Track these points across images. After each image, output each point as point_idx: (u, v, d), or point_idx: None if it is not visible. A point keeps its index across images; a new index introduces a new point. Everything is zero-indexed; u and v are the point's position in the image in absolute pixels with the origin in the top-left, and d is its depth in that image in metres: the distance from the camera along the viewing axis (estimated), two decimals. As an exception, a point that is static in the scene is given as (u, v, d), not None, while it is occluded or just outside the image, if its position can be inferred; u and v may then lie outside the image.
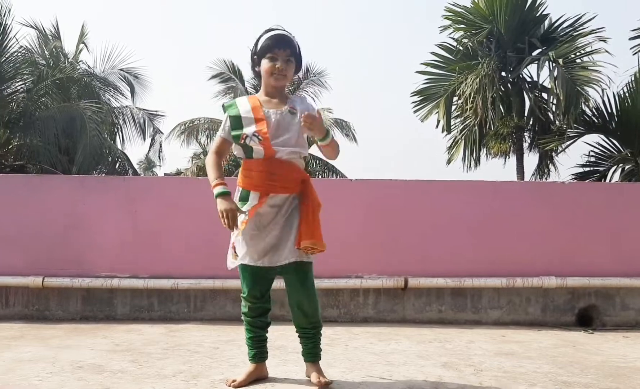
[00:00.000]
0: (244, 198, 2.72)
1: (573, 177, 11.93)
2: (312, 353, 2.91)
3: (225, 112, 2.77)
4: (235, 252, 2.77)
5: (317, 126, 2.62)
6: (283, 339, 3.99)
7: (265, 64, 2.71)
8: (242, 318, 2.90)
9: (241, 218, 2.67)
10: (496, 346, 3.95)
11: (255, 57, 2.77)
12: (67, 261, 4.79)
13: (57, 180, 5.64)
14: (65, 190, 4.95)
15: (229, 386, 2.76)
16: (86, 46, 16.95)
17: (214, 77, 20.28)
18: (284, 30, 2.74)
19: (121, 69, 17.22)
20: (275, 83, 2.73)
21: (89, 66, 16.70)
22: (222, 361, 3.31)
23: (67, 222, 4.85)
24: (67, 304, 4.81)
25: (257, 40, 2.74)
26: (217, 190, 2.66)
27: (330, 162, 18.63)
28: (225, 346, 3.75)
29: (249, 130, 2.65)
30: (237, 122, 2.71)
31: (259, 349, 2.89)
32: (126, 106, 17.87)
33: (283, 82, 2.74)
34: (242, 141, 2.67)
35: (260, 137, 2.63)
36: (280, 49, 2.68)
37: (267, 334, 2.94)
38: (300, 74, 20.76)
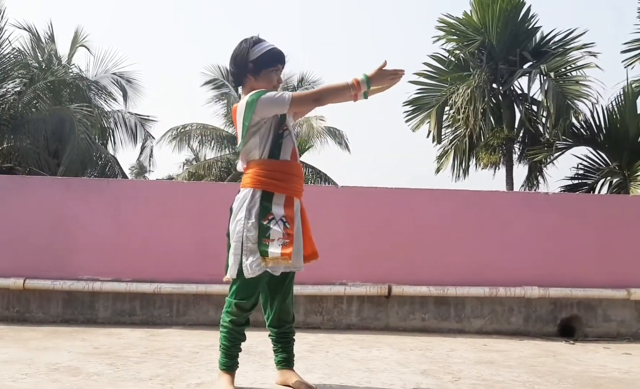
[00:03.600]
0: (267, 200, 2.64)
1: (562, 188, 12.00)
2: (290, 358, 2.91)
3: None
4: (264, 255, 2.60)
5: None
6: (265, 344, 3.98)
7: (270, 74, 2.77)
8: (226, 327, 2.74)
9: (277, 226, 2.61)
10: (477, 354, 3.96)
11: (250, 64, 2.73)
12: (49, 263, 4.76)
13: (42, 181, 5.61)
14: (50, 191, 4.93)
15: None
16: (87, 49, 16.89)
17: (207, 83, 20.30)
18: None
19: (114, 73, 17.18)
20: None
21: (80, 69, 16.65)
22: (201, 366, 3.30)
23: (50, 224, 4.82)
24: (48, 306, 4.78)
25: (253, 48, 2.73)
26: (360, 77, 2.64)
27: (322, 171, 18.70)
28: (205, 351, 3.73)
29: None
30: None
31: (237, 359, 2.82)
32: (118, 110, 17.82)
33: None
34: (282, 131, 2.74)
35: (293, 135, 2.83)
36: (282, 64, 2.82)
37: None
38: (295, 82, 20.85)
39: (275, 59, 2.77)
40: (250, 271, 2.60)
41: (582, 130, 11.83)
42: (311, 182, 18.73)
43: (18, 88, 14.52)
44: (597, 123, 11.32)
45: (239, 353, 2.82)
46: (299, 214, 2.78)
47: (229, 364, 2.76)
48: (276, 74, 2.79)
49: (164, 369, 3.18)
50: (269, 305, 2.88)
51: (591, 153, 11.68)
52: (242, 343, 2.82)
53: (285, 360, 2.89)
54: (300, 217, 2.79)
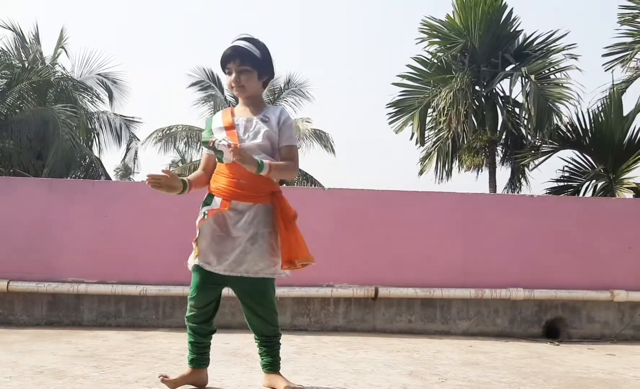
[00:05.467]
0: (208, 203, 2.73)
1: (547, 191, 12.07)
2: (275, 362, 2.86)
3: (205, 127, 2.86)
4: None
5: (244, 160, 2.53)
6: (252, 347, 3.96)
7: (226, 79, 2.77)
8: (185, 321, 2.81)
9: (199, 217, 2.73)
10: (463, 356, 3.98)
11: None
12: (33, 266, 4.72)
13: (25, 182, 5.55)
14: (34, 193, 4.88)
15: (160, 379, 2.72)
16: (65, 50, 16.75)
17: (193, 84, 20.19)
18: (242, 39, 2.74)
19: (99, 74, 17.05)
20: (238, 95, 2.78)
21: (64, 68, 16.51)
22: (187, 368, 3.27)
23: (34, 225, 4.78)
24: (32, 309, 4.73)
25: None
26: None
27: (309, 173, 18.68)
28: (191, 353, 3.70)
29: (219, 136, 2.70)
30: (209, 133, 2.78)
31: (198, 355, 2.80)
32: (103, 111, 17.69)
33: (245, 93, 2.75)
34: (211, 144, 2.69)
35: (228, 141, 2.63)
36: (230, 62, 2.70)
37: (209, 342, 2.86)
38: (282, 84, 20.82)
39: (221, 64, 2.75)
40: (189, 260, 2.77)
41: (567, 133, 11.92)
42: (296, 184, 18.71)
43: (1, 89, 14.36)
44: (583, 126, 11.41)
45: (203, 352, 2.81)
46: (250, 217, 2.64)
47: (190, 358, 2.81)
48: (229, 75, 2.74)
49: (150, 371, 3.16)
50: (245, 316, 2.88)
51: (577, 156, 11.78)
52: (205, 343, 2.81)
53: (271, 364, 2.87)
54: (251, 219, 2.65)
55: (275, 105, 2.94)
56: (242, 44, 2.70)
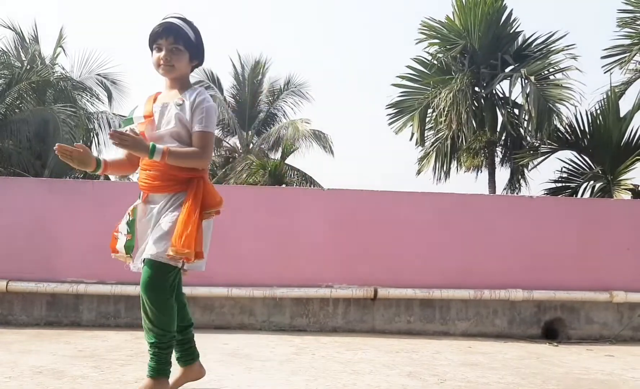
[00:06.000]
0: (139, 197, 2.62)
1: (545, 192, 12.08)
2: (149, 365, 2.52)
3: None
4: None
5: (128, 145, 2.36)
6: (251, 347, 3.98)
7: (153, 55, 2.57)
8: None
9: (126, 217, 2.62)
10: (462, 357, 3.98)
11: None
12: (32, 265, 4.72)
13: (25, 182, 5.55)
14: (33, 193, 4.88)
15: None
16: (64, 50, 16.75)
17: (192, 84, 20.21)
18: (177, 17, 2.56)
19: (98, 74, 17.05)
20: (164, 75, 2.58)
21: (63, 68, 16.50)
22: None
23: (33, 225, 4.78)
24: (31, 309, 4.73)
25: None
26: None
27: (308, 173, 18.68)
28: (190, 354, 3.71)
29: (135, 125, 2.59)
30: (127, 122, 2.65)
31: (182, 353, 2.70)
32: (102, 111, 17.67)
33: (172, 74, 2.56)
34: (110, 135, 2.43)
35: (125, 128, 2.52)
36: (163, 38, 2.51)
37: (189, 336, 2.72)
38: (282, 84, 20.84)
39: (150, 39, 2.56)
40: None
41: (566, 134, 11.93)
42: (295, 185, 18.71)
43: (0, 89, 14.36)
44: (581, 127, 11.42)
45: (186, 349, 2.74)
46: (162, 209, 2.47)
47: (176, 357, 2.72)
48: (157, 52, 2.54)
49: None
50: None
51: (575, 156, 11.79)
52: (185, 339, 2.71)
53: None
54: (162, 211, 2.47)
55: (198, 87, 2.71)
56: (177, 22, 2.54)
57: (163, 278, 2.42)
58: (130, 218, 2.61)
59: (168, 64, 2.52)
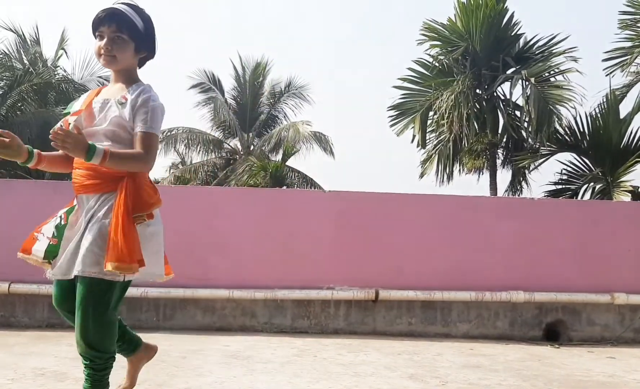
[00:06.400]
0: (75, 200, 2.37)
1: (546, 194, 12.09)
2: (84, 386, 2.29)
3: None
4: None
5: (69, 146, 2.08)
6: (252, 349, 3.99)
7: (95, 44, 2.32)
8: None
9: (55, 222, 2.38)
10: (464, 358, 3.98)
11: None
12: (34, 267, 4.69)
13: (28, 184, 5.56)
14: (36, 194, 4.89)
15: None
16: (65, 52, 16.77)
17: (193, 86, 20.27)
18: (124, 3, 2.31)
19: (100, 76, 17.07)
20: (106, 66, 2.33)
21: (65, 70, 16.52)
22: (188, 371, 3.29)
23: (36, 227, 4.77)
24: (33, 311, 4.73)
25: None
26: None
27: (309, 175, 18.71)
28: (192, 356, 3.72)
29: (71, 120, 2.30)
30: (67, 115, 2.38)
31: (120, 346, 2.44)
32: (104, 114, 17.69)
33: (114, 65, 2.31)
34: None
35: (61, 125, 2.27)
36: (105, 26, 2.25)
37: (122, 326, 2.44)
38: (282, 86, 20.86)
39: (92, 27, 2.32)
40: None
41: (566, 136, 11.95)
42: (298, 186, 18.73)
43: (1, 91, 14.38)
44: (581, 129, 11.44)
45: (123, 339, 2.48)
46: (92, 211, 2.22)
47: (118, 352, 2.44)
48: (99, 40, 2.29)
49: (150, 374, 3.16)
50: None
51: (575, 159, 11.80)
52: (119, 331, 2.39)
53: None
54: (92, 213, 2.21)
55: (144, 84, 2.36)
56: (123, 8, 2.28)
57: (101, 295, 2.16)
58: (62, 223, 2.35)
59: (109, 54, 2.26)
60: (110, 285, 2.16)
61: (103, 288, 2.15)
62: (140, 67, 2.40)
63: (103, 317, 2.17)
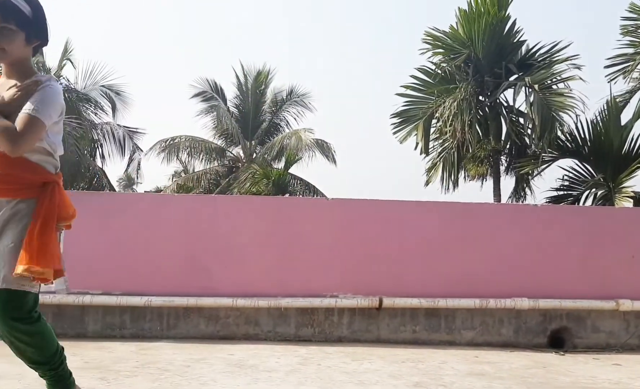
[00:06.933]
0: None
1: (547, 200, 12.08)
2: None
3: None
4: None
5: None
6: (256, 358, 3.98)
7: None
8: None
9: None
10: (468, 366, 3.97)
11: None
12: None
13: None
14: (39, 204, 4.89)
15: None
16: (71, 62, 16.83)
17: (196, 95, 20.32)
18: None
19: (103, 86, 17.13)
20: None
21: (68, 80, 16.59)
22: (192, 380, 3.28)
23: (39, 237, 4.78)
24: (37, 320, 4.73)
25: None
26: None
27: (310, 182, 18.70)
28: (196, 365, 3.71)
29: None
30: None
31: None
32: (107, 122, 17.74)
33: (5, 58, 2.13)
34: None
35: None
36: None
37: None
38: (284, 95, 20.90)
39: None
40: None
41: (567, 142, 11.94)
42: (299, 194, 18.74)
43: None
44: (582, 135, 11.44)
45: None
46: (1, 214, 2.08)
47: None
48: None
49: (155, 383, 3.16)
50: None
51: (576, 164, 11.80)
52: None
53: None
54: (4, 218, 2.07)
55: (43, 75, 2.22)
56: None
57: (21, 306, 2.05)
58: None
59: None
60: (25, 295, 2.04)
61: (21, 299, 2.04)
62: (34, 56, 2.23)
63: (32, 329, 2.11)
